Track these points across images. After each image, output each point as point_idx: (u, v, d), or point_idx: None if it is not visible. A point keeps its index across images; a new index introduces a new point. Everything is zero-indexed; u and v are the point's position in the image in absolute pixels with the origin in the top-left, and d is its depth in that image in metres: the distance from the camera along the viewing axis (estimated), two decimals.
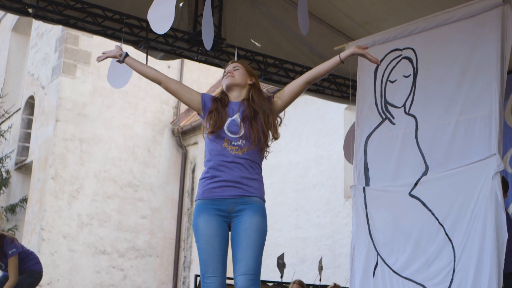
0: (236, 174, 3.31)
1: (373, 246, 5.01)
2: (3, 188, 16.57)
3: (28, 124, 16.62)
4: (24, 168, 16.25)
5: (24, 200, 15.63)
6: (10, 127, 17.10)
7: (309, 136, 12.20)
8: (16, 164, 16.49)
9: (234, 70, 3.57)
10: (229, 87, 3.54)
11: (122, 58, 3.67)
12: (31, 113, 16.50)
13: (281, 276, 8.33)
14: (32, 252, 6.01)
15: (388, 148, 5.13)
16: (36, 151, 15.32)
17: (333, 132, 11.38)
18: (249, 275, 3.28)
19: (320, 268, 8.14)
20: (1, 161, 16.62)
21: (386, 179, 5.08)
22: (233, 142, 3.35)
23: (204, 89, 17.02)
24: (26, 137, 16.57)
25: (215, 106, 3.45)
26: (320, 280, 8.10)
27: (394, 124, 5.16)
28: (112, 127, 15.24)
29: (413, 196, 4.84)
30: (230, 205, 3.33)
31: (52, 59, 15.56)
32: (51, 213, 13.98)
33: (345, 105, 10.50)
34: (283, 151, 12.75)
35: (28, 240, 14.52)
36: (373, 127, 5.27)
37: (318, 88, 7.76)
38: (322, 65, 3.61)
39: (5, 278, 5.83)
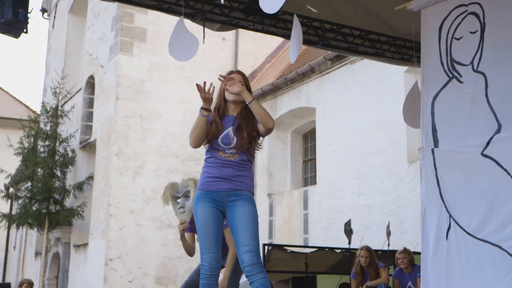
0: (229, 173, 3.98)
1: (445, 208, 4.89)
2: (70, 166, 17.03)
3: (90, 103, 16.96)
4: (88, 146, 16.63)
5: (90, 177, 16.03)
6: (73, 107, 17.49)
7: (369, 101, 12.01)
8: (80, 143, 16.89)
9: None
10: (233, 102, 4.11)
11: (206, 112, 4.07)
12: (92, 92, 16.82)
13: (349, 243, 8.29)
14: None
15: (457, 108, 4.96)
16: (99, 129, 15.64)
17: (393, 96, 11.16)
18: (253, 252, 3.86)
19: (388, 233, 8.05)
20: (66, 141, 17.06)
21: (455, 140, 4.93)
22: (226, 151, 4.02)
23: (259, 60, 16.97)
24: (89, 116, 16.92)
25: (214, 117, 4.09)
26: (388, 245, 8.02)
27: (461, 82, 4.98)
28: (170, 102, 15.39)
29: (485, 155, 4.67)
30: (223, 196, 3.96)
31: (109, 38, 15.77)
32: (116, 189, 14.29)
33: (405, 68, 10.26)
34: (342, 119, 12.61)
35: (96, 216, 14.91)
36: (440, 86, 5.10)
37: (377, 51, 7.58)
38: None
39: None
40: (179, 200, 5.36)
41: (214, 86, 4.01)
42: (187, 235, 5.44)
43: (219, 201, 3.95)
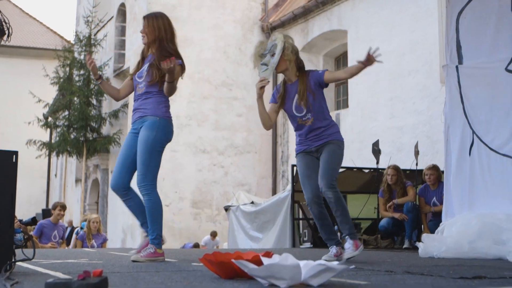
0: (138, 103, 4.57)
1: (468, 125, 4.88)
2: (105, 95, 17.27)
3: (122, 31, 17.00)
4: (122, 74, 16.79)
5: (125, 105, 16.26)
6: (105, 36, 17.56)
7: (402, 22, 11.78)
8: (114, 71, 17.05)
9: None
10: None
11: (98, 79, 4.72)
12: (124, 20, 16.82)
13: (377, 163, 8.33)
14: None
15: (482, 23, 4.86)
16: (131, 57, 15.72)
17: (427, 16, 10.93)
18: (140, 175, 4.41)
19: (416, 153, 8.05)
20: (100, 69, 17.22)
21: (480, 55, 4.86)
22: (139, 85, 4.57)
23: None
24: (121, 44, 17.00)
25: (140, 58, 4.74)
26: (416, 165, 8.03)
27: None
28: (202, 28, 15.32)
29: (510, 71, 4.61)
30: (137, 124, 4.49)
31: None
32: None
33: None
34: (376, 40, 12.41)
35: None
36: (465, 1, 4.98)
37: None
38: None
39: None
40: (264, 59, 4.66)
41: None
42: (270, 105, 4.62)
43: (137, 128, 4.51)
